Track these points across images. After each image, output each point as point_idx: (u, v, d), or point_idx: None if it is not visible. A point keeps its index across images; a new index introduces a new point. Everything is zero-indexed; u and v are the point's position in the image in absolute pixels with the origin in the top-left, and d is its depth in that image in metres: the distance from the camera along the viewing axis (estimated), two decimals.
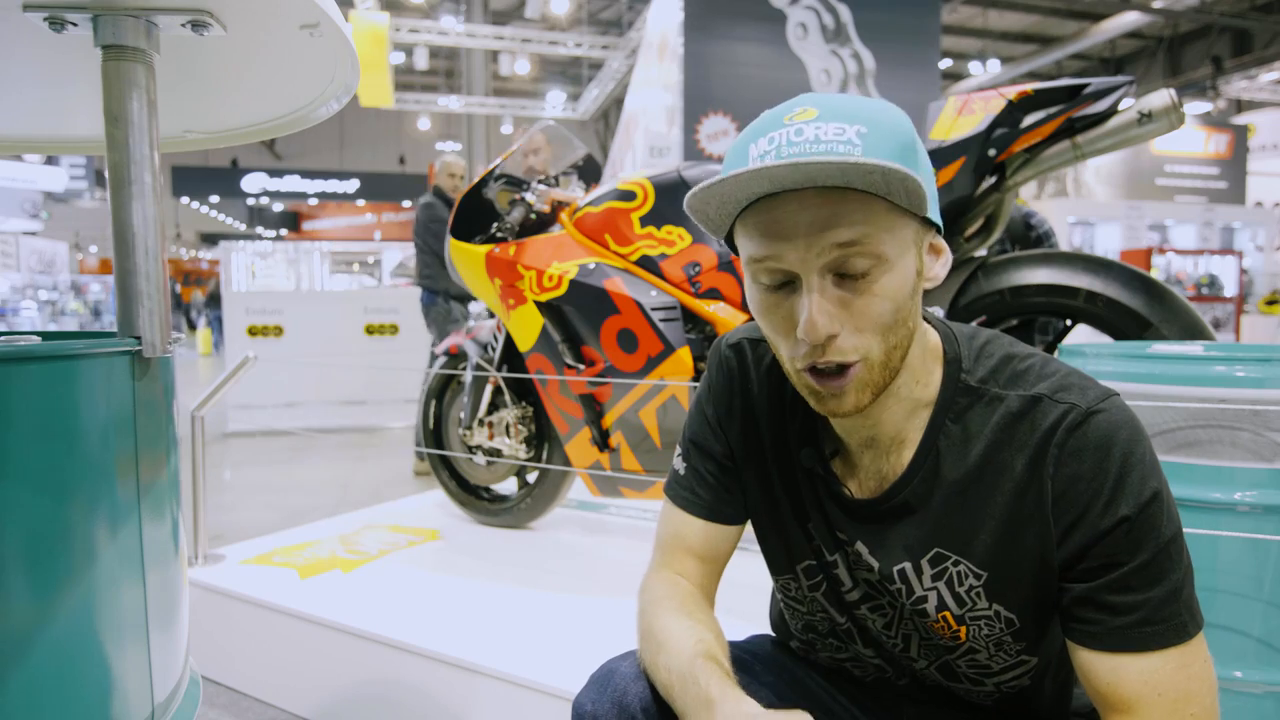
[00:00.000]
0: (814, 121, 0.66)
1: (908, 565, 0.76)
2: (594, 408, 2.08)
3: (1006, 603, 0.74)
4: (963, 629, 0.76)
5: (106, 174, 0.78)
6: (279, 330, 5.97)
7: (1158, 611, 0.66)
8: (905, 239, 0.68)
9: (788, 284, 0.69)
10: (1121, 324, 1.72)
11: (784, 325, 0.70)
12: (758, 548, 0.91)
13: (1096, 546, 0.67)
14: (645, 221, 2.02)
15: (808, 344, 0.67)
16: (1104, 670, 0.67)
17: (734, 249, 0.76)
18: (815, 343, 0.66)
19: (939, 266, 0.73)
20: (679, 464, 0.90)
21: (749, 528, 0.90)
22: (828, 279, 0.66)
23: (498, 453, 2.48)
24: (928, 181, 0.69)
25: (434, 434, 2.69)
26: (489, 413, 2.47)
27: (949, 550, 0.74)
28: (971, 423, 0.73)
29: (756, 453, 0.86)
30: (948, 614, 0.76)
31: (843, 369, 0.68)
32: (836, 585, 0.84)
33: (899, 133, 0.67)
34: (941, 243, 0.73)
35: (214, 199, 23.64)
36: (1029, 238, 2.23)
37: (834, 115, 0.66)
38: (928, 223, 0.71)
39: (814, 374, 0.69)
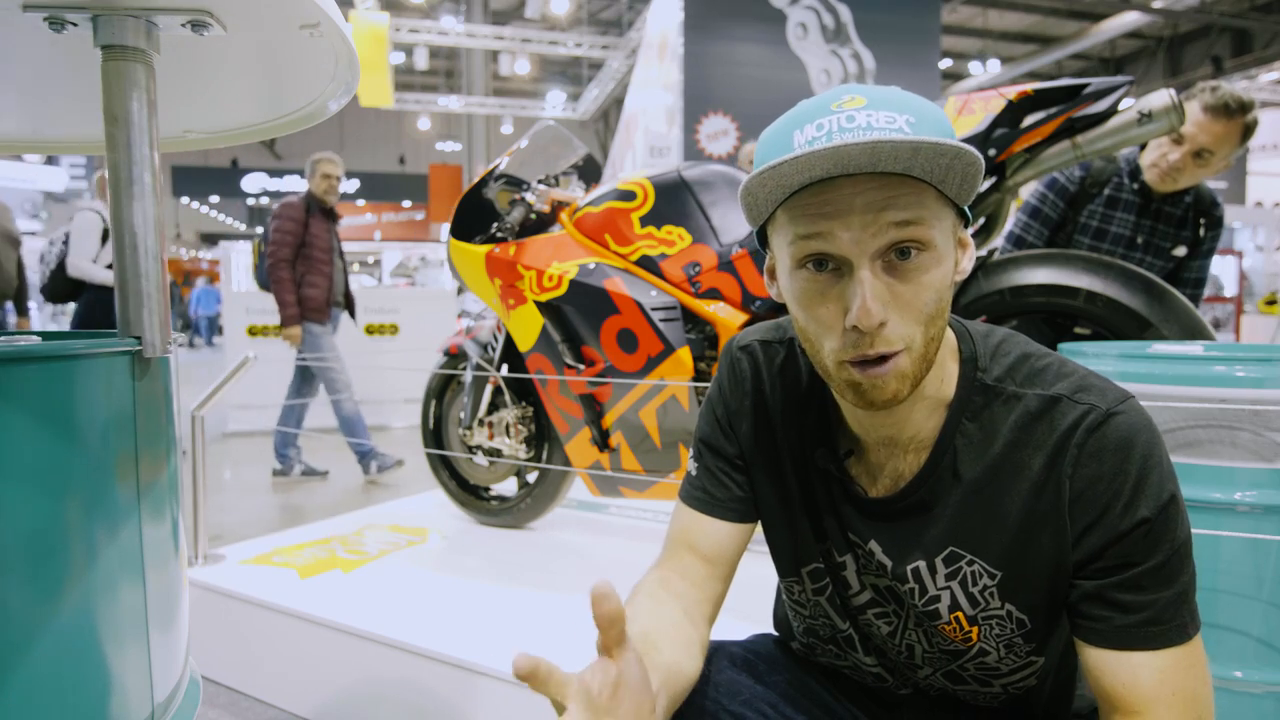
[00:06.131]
0: (864, 109, 0.65)
1: (922, 564, 0.76)
2: (594, 408, 2.08)
3: (1019, 603, 0.74)
4: (975, 629, 0.76)
5: (106, 174, 0.78)
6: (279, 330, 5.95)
7: (1164, 612, 0.66)
8: (947, 229, 0.68)
9: (834, 270, 0.67)
10: (1121, 324, 1.72)
11: (830, 316, 0.68)
12: (762, 548, 0.91)
13: (1114, 547, 0.67)
14: (645, 221, 2.02)
15: (857, 333, 0.66)
16: (1119, 669, 0.67)
17: (762, 243, 0.76)
18: (869, 328, 0.64)
19: (966, 261, 0.72)
20: (692, 466, 0.90)
21: (758, 530, 0.90)
22: (878, 265, 0.65)
23: (498, 453, 2.48)
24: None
25: (434, 434, 2.70)
26: (489, 413, 2.47)
27: (964, 549, 0.74)
28: (989, 421, 0.73)
29: (769, 453, 0.85)
30: (960, 614, 0.76)
31: (884, 358, 0.67)
32: (843, 589, 0.84)
33: (942, 124, 0.66)
34: (968, 237, 0.72)
35: (214, 199, 23.68)
36: (1213, 216, 2.18)
37: (882, 104, 0.66)
38: (961, 215, 0.70)
39: (857, 365, 0.68)
